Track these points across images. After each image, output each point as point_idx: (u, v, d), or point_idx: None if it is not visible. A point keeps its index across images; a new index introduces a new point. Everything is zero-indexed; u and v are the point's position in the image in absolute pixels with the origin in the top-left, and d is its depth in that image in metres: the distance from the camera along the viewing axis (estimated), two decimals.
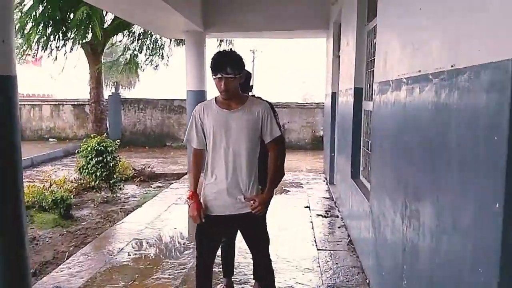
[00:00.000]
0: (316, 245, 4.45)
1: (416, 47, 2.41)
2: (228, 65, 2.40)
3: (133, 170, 8.43)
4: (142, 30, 12.24)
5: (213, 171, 2.57)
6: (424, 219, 2.17)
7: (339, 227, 5.11)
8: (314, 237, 4.72)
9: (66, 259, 4.05)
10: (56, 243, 4.63)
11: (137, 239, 4.57)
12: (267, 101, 3.16)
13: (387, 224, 2.94)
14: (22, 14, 9.46)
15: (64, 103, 14.28)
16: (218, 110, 2.55)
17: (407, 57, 2.59)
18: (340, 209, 5.74)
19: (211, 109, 2.57)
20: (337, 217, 5.55)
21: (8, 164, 2.64)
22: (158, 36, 12.63)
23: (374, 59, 4.30)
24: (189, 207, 2.60)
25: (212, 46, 11.25)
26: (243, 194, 2.56)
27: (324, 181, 7.95)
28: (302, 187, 7.39)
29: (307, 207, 6.02)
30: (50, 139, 13.88)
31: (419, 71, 2.29)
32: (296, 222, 5.27)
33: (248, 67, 3.15)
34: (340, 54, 6.37)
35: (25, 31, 9.62)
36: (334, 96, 7.38)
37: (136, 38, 12.63)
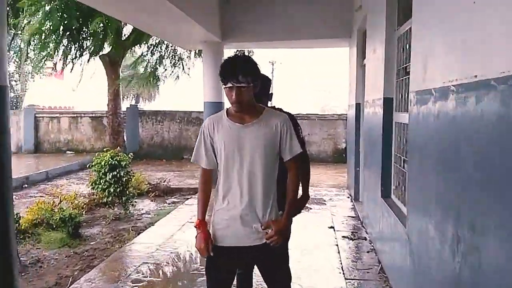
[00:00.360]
0: (343, 273, 4.00)
1: (469, 48, 2.00)
2: (240, 72, 2.04)
3: (148, 185, 8.14)
4: (159, 41, 12.07)
5: (225, 195, 2.19)
6: (487, 259, 1.73)
7: (368, 252, 4.64)
8: (341, 263, 4.26)
9: (69, 286, 3.72)
10: (61, 266, 4.31)
11: (146, 263, 4.21)
12: (288, 113, 2.77)
13: (432, 257, 2.50)
14: (37, 23, 9.37)
15: (82, 115, 14.22)
16: (229, 125, 2.18)
17: (457, 60, 2.18)
18: (368, 230, 5.27)
19: (222, 123, 2.21)
20: (365, 239, 5.08)
21: None
22: (177, 48, 12.46)
23: (406, 66, 3.91)
24: (195, 236, 2.22)
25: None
26: (260, 222, 2.17)
27: (349, 197, 7.47)
28: (325, 204, 6.94)
29: (332, 227, 5.56)
30: (68, 152, 13.80)
31: (475, 76, 1.88)
32: (320, 245, 4.82)
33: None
34: (365, 63, 5.96)
35: (39, 41, 9.52)
36: (358, 107, 6.96)
37: (155, 50, 12.48)
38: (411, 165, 3.13)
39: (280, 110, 2.83)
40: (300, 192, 2.58)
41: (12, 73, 23.96)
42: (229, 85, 2.06)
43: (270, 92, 2.80)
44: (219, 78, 2.13)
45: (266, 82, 2.69)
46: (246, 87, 2.06)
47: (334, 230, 5.43)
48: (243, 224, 2.16)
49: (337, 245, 4.85)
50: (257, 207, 2.16)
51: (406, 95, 3.83)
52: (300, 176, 2.40)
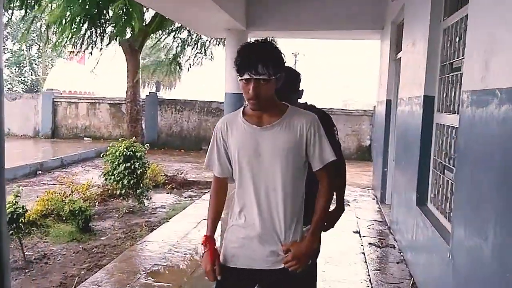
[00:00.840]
0: (371, 287, 3.63)
1: None
2: (260, 61, 1.64)
3: (164, 176, 7.88)
4: (181, 28, 11.74)
5: (241, 209, 1.84)
6: None
7: (397, 263, 4.25)
8: (368, 275, 3.89)
9: None
10: (67, 264, 4.06)
11: (158, 265, 3.92)
12: (321, 110, 2.38)
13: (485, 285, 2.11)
14: (58, 9, 9.12)
15: (101, 101, 14.06)
16: (245, 126, 1.80)
17: None
18: (397, 237, 4.87)
19: (236, 124, 1.83)
20: (393, 247, 4.69)
21: None
22: (200, 35, 12.12)
23: (452, 62, 3.47)
24: (202, 255, 1.88)
25: None
26: (281, 243, 1.80)
27: (374, 199, 7.05)
28: (349, 205, 6.53)
29: (357, 232, 5.17)
30: (85, 138, 13.69)
31: None
32: (345, 253, 4.45)
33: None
34: (400, 57, 5.49)
35: (60, 26, 9.28)
36: (389, 103, 6.50)
37: (177, 36, 12.17)
38: (460, 175, 2.72)
39: (312, 107, 2.44)
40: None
41: (33, 56, 24.13)
42: (246, 76, 1.67)
43: (300, 89, 2.38)
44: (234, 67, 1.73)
45: (294, 76, 2.29)
46: (267, 80, 1.67)
47: (360, 236, 5.05)
48: (261, 244, 1.80)
49: (363, 253, 4.48)
50: (278, 226, 1.79)
51: (453, 94, 3.40)
52: (334, 189, 1.99)
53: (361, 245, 4.72)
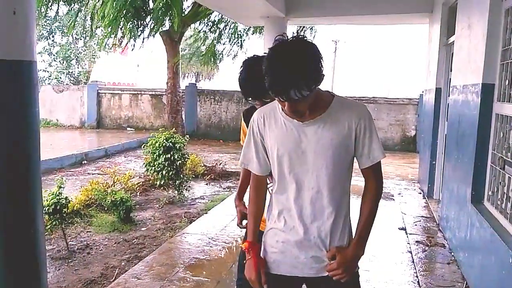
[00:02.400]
0: None
1: None
2: (292, 88, 1.40)
3: (204, 167, 7.88)
4: (220, 17, 11.66)
5: (281, 212, 1.67)
6: None
7: (448, 263, 3.97)
8: (417, 276, 3.65)
9: (114, 280, 3.46)
10: (108, 254, 4.09)
11: (196, 258, 3.87)
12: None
13: None
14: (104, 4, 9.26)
15: (143, 92, 14.33)
16: (284, 121, 1.61)
17: None
18: (447, 235, 4.56)
19: (275, 118, 1.64)
20: (443, 246, 4.40)
21: (22, 160, 1.95)
22: (238, 24, 11.99)
23: None
24: (244, 262, 1.74)
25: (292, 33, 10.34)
26: (326, 248, 1.63)
27: (420, 193, 6.70)
28: (394, 199, 6.24)
29: (403, 228, 4.90)
30: (128, 128, 14.01)
31: None
32: (390, 251, 4.21)
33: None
34: (454, 41, 5.10)
35: (103, 19, 9.42)
36: (439, 92, 6.11)
37: (215, 26, 12.11)
38: None
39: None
40: None
41: (79, 49, 24.95)
42: (278, 98, 1.48)
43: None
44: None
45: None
46: (302, 98, 1.44)
47: (406, 233, 4.78)
48: (303, 250, 1.64)
49: (410, 252, 4.22)
50: (322, 230, 1.62)
51: None
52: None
53: (408, 243, 4.46)
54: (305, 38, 1.48)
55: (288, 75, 1.39)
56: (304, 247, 1.64)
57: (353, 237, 1.68)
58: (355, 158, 1.67)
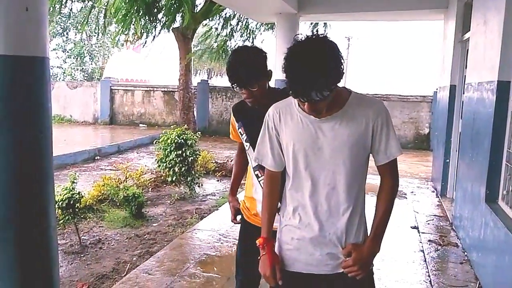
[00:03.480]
0: None
1: None
2: (313, 90, 1.39)
3: (215, 164, 7.89)
4: (232, 14, 11.64)
5: (295, 208, 1.66)
6: None
7: (461, 263, 3.92)
8: (429, 276, 3.61)
9: (125, 275, 3.50)
10: (120, 249, 4.13)
11: (206, 254, 3.88)
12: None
13: None
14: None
15: (155, 89, 14.41)
16: (301, 117, 1.60)
17: None
18: (460, 235, 4.50)
19: (291, 114, 1.63)
20: (456, 246, 4.34)
21: (34, 156, 1.97)
22: (250, 21, 11.97)
23: None
24: (259, 259, 1.74)
25: (305, 30, 10.28)
26: (341, 245, 1.63)
27: (433, 192, 6.62)
28: (406, 198, 6.18)
29: (415, 227, 4.85)
30: (141, 125, 14.12)
31: None
32: (402, 250, 4.17)
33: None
34: (469, 37, 5.01)
35: (115, 16, 9.48)
36: (453, 89, 6.01)
37: (227, 23, 12.09)
38: None
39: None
40: None
41: (92, 46, 25.20)
42: (299, 99, 1.47)
43: (268, 69, 2.00)
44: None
45: (262, 59, 1.97)
46: (324, 98, 1.43)
47: (418, 232, 4.73)
48: (319, 247, 1.64)
49: (422, 251, 4.17)
50: (338, 227, 1.62)
51: None
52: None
53: (420, 242, 4.41)
54: (324, 36, 1.46)
55: (309, 76, 1.37)
56: (319, 244, 1.63)
57: (369, 234, 1.69)
58: (370, 155, 1.66)
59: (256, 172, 2.05)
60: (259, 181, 2.04)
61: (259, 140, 1.75)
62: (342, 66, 1.43)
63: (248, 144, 2.08)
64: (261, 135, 1.73)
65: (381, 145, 1.61)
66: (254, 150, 1.94)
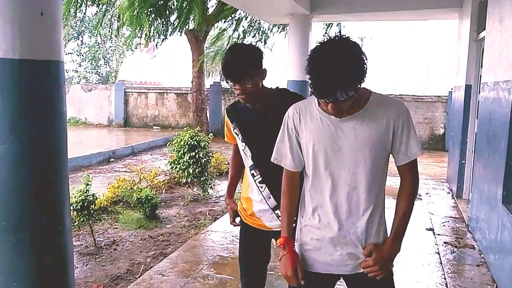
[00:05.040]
0: None
1: None
2: (338, 90, 1.40)
3: (228, 165, 7.90)
4: (244, 15, 11.67)
5: (315, 208, 1.67)
6: None
7: (477, 265, 3.85)
8: (445, 279, 3.56)
9: (139, 276, 3.53)
10: (134, 251, 4.17)
11: (220, 256, 3.89)
12: (296, 95, 2.09)
13: None
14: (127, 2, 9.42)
15: (168, 91, 14.53)
16: (321, 117, 1.60)
17: None
18: (477, 236, 4.43)
19: (311, 114, 1.63)
20: (473, 248, 4.27)
21: (50, 158, 2.00)
22: (262, 23, 11.98)
23: None
24: (279, 259, 1.73)
25: (318, 31, 10.24)
26: (362, 245, 1.63)
27: (449, 193, 6.52)
28: (421, 199, 6.10)
29: (430, 229, 4.79)
30: (154, 127, 14.24)
31: None
32: (417, 253, 4.12)
33: None
34: (485, 36, 4.93)
35: (128, 18, 9.58)
36: (469, 89, 5.92)
37: (239, 25, 12.12)
38: None
39: (285, 91, 2.17)
40: None
41: (107, 49, 25.52)
42: (324, 100, 1.48)
43: (262, 68, 2.01)
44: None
45: (258, 56, 1.97)
46: (349, 98, 1.45)
47: (434, 233, 4.67)
48: (339, 247, 1.64)
49: (438, 253, 4.12)
50: (358, 227, 1.62)
51: None
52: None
53: (436, 244, 4.36)
54: (348, 37, 1.48)
55: (334, 77, 1.39)
56: (339, 244, 1.63)
57: (389, 235, 1.68)
58: (391, 155, 1.66)
59: (252, 172, 2.06)
60: (254, 181, 2.05)
61: (277, 141, 1.75)
62: (366, 66, 1.45)
63: (244, 144, 2.09)
64: (280, 135, 1.74)
65: (402, 145, 1.61)
66: (250, 150, 2.00)
